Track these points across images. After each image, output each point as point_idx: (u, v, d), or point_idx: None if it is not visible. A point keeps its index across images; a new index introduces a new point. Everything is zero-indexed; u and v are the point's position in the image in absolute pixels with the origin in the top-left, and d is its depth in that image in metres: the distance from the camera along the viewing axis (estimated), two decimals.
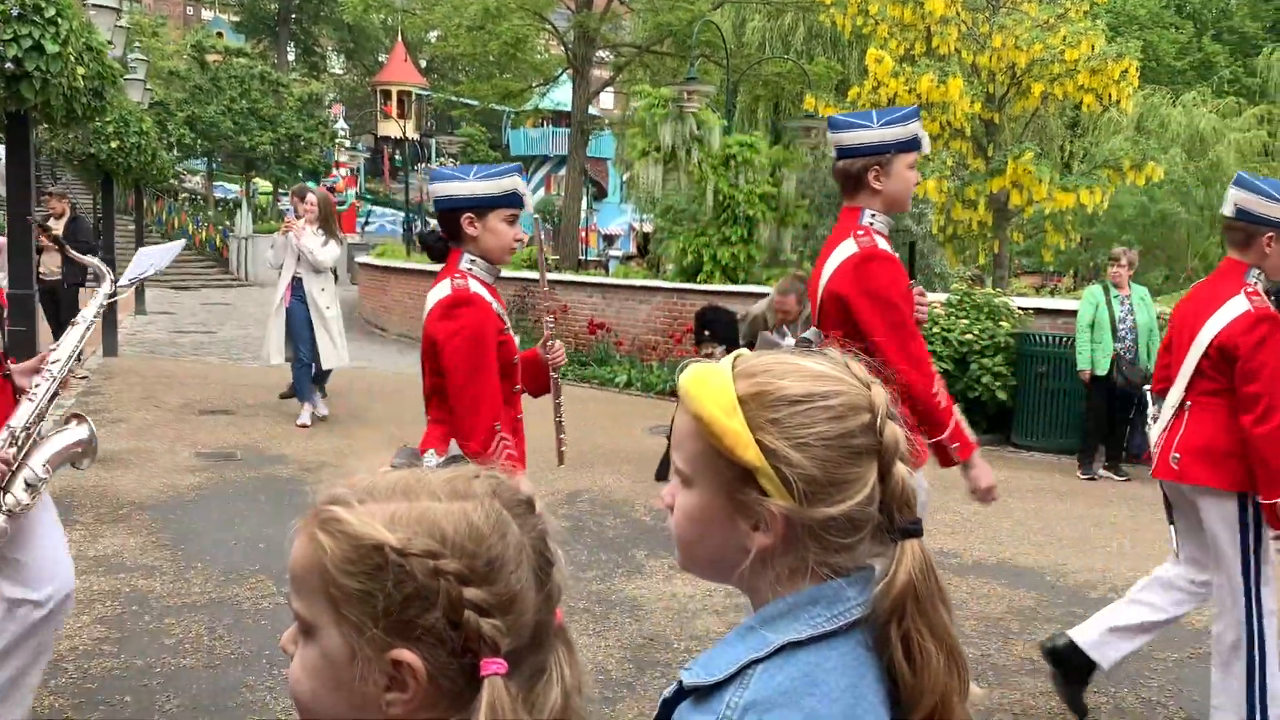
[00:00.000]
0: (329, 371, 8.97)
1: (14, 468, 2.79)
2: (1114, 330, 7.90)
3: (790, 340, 8.55)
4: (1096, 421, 8.16)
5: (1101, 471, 8.14)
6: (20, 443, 2.88)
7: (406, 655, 0.87)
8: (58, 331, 10.98)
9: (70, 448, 2.88)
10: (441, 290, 3.00)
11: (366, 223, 35.37)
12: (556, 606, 0.97)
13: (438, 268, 3.18)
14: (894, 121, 3.17)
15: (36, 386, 2.99)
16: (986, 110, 12.30)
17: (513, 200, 3.06)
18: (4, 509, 2.76)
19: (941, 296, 10.56)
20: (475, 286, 3.00)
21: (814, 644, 1.01)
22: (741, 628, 1.06)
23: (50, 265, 10.67)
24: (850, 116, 3.29)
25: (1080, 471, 8.11)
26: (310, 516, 0.92)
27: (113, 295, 3.40)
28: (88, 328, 3.17)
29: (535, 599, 0.93)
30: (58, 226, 10.91)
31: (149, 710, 3.59)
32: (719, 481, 1.05)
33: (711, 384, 1.05)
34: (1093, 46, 11.61)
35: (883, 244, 3.17)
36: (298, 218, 8.58)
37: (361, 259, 21.38)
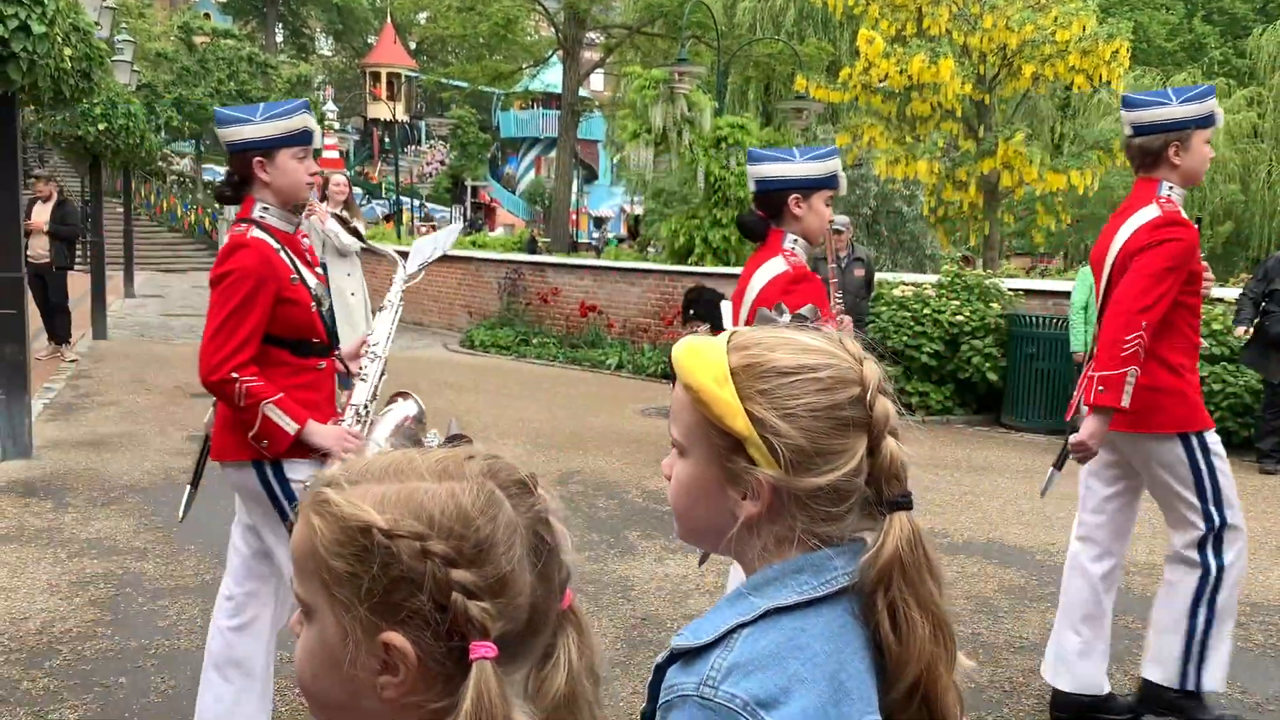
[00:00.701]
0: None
1: (364, 443, 2.84)
2: None
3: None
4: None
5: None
6: (364, 420, 3.00)
7: (395, 638, 0.86)
8: (46, 315, 10.94)
9: (403, 422, 2.91)
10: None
11: (362, 204, 35.23)
12: (564, 589, 0.97)
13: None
14: (1192, 99, 3.33)
15: (363, 369, 3.10)
16: (977, 91, 12.29)
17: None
18: None
19: (932, 278, 10.58)
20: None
21: (800, 610, 1.03)
22: (731, 594, 1.09)
23: (38, 249, 10.62)
24: (1148, 95, 3.45)
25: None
26: (307, 499, 0.92)
27: (408, 280, 3.44)
28: (396, 311, 3.30)
29: (530, 581, 0.92)
30: (45, 210, 10.86)
31: (144, 691, 3.60)
32: (711, 451, 1.07)
33: (704, 356, 1.08)
34: (1084, 28, 11.60)
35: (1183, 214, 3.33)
36: (322, 200, 8.39)
37: None
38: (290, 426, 2.82)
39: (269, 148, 2.88)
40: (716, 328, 7.42)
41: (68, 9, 6.14)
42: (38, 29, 5.78)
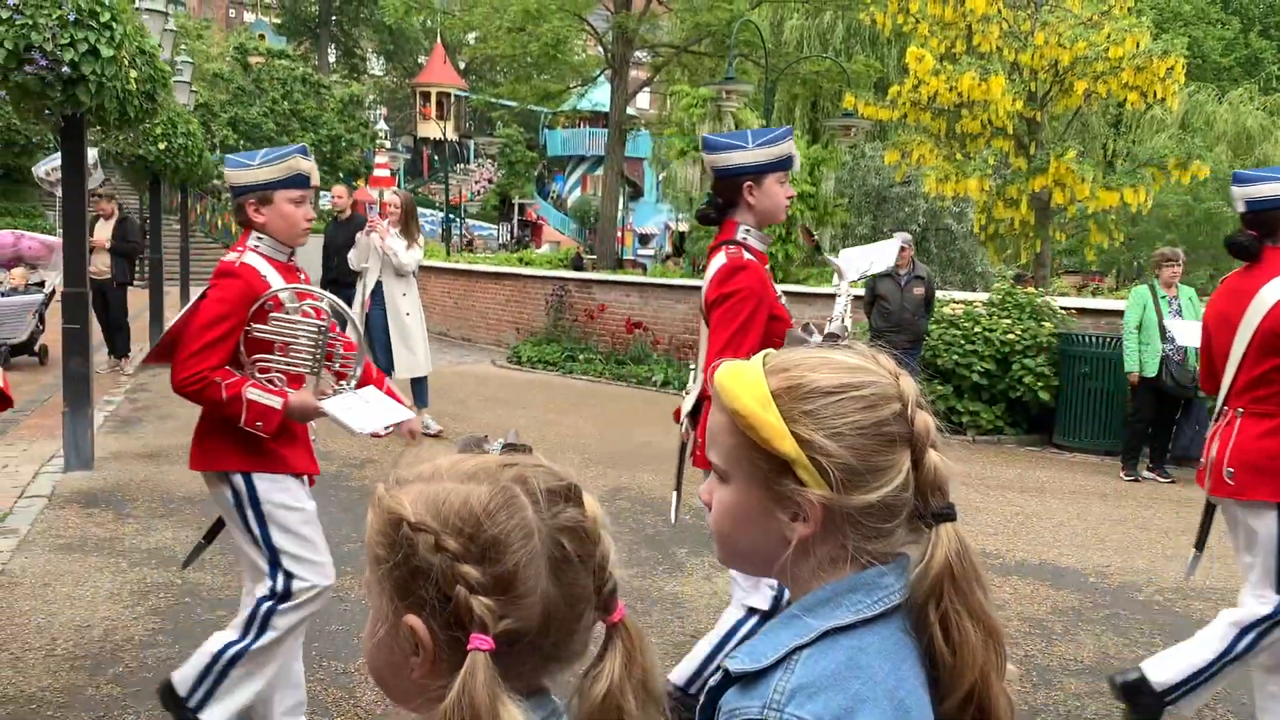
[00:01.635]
0: (424, 380, 8.48)
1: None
2: (1162, 332, 7.81)
3: (818, 337, 8.50)
4: (1142, 423, 8.08)
5: (1145, 473, 8.06)
6: None
7: (413, 620, 0.95)
8: (107, 329, 11.20)
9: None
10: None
11: None
12: (608, 601, 1.00)
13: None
14: None
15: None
16: (1029, 108, 12.19)
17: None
18: None
19: (983, 296, 10.49)
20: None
21: (856, 629, 1.04)
22: (784, 616, 1.09)
23: (100, 265, 10.88)
24: None
25: (1124, 472, 8.04)
26: (372, 497, 1.02)
27: (845, 293, 3.62)
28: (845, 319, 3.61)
29: (544, 585, 0.96)
30: (106, 227, 11.13)
31: None
32: (756, 474, 1.08)
33: (745, 379, 1.08)
34: (1137, 44, 11.46)
35: None
36: (380, 218, 8.24)
37: None
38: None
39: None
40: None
41: (134, 33, 6.32)
42: (106, 52, 5.95)
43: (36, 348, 11.25)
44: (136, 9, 9.94)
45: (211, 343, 2.92)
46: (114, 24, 6.02)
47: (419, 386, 8.47)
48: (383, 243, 8.05)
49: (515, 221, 39.91)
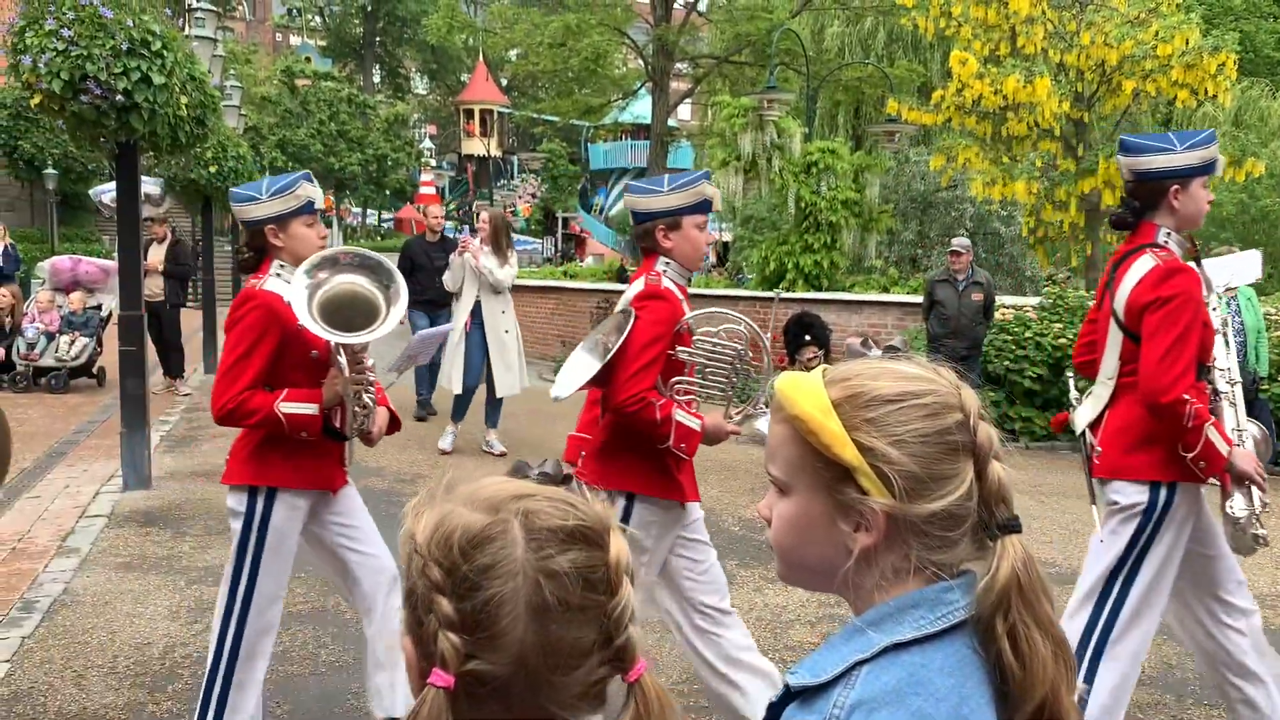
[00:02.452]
0: (500, 402, 8.47)
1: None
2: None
3: (876, 351, 8.44)
4: None
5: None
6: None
7: (405, 642, 0.95)
8: (161, 351, 11.42)
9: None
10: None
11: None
12: (617, 656, 0.93)
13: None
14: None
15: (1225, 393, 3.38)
16: (1075, 109, 12.02)
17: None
18: None
19: (1033, 300, 10.34)
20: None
21: (919, 645, 1.02)
22: (846, 630, 1.08)
23: (153, 288, 11.10)
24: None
25: None
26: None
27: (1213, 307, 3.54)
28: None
29: (521, 630, 0.90)
30: (160, 250, 11.37)
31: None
32: (818, 484, 1.07)
33: (805, 388, 1.08)
34: (1186, 41, 11.26)
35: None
36: (473, 235, 8.17)
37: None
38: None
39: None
40: (829, 353, 7.28)
41: (185, 60, 6.45)
42: (158, 80, 6.09)
43: (95, 370, 11.50)
44: (186, 37, 10.16)
45: (648, 364, 3.01)
46: (165, 52, 6.15)
47: (494, 406, 8.45)
48: (476, 262, 7.97)
49: (559, 235, 40.14)
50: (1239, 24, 26.61)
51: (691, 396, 3.14)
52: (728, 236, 23.91)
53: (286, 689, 3.94)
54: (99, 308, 11.72)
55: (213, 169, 12.30)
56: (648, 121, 25.62)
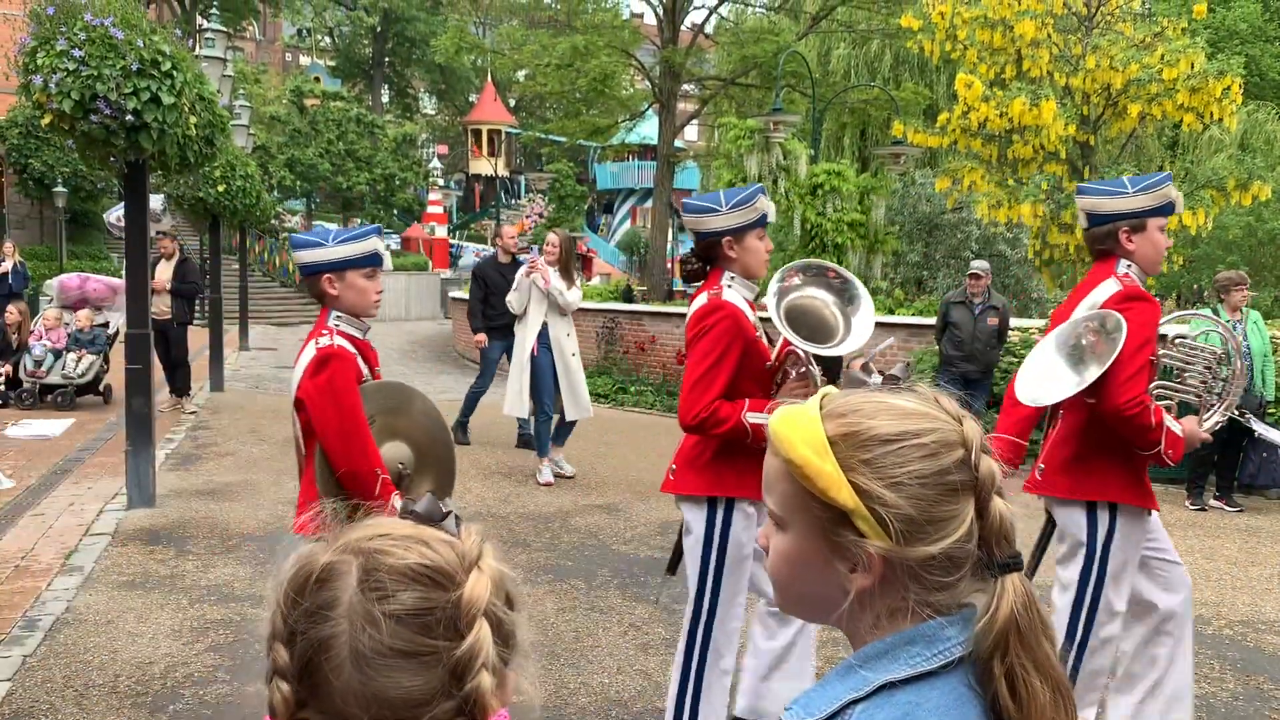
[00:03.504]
0: (572, 424, 8.42)
1: None
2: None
3: (877, 378, 8.43)
4: (1208, 451, 7.88)
5: (1212, 502, 7.86)
6: None
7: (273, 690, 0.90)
8: (168, 368, 11.44)
9: None
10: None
11: (459, 257, 36.11)
12: (466, 705, 0.86)
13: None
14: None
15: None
16: (1081, 132, 12.04)
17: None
18: None
19: (1040, 323, 10.33)
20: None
21: (913, 684, 1.00)
22: (841, 667, 1.06)
23: (160, 306, 11.13)
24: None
25: (1189, 502, 7.83)
26: None
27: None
28: None
29: (347, 677, 0.84)
30: (167, 268, 11.41)
31: None
32: (813, 523, 1.04)
33: (801, 425, 1.05)
34: (1192, 65, 11.29)
35: None
36: (540, 257, 8.10)
37: (455, 294, 21.82)
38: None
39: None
40: (835, 378, 7.27)
41: (194, 80, 6.50)
42: (167, 100, 6.13)
43: (101, 387, 11.53)
44: (196, 57, 10.23)
45: (1141, 368, 3.06)
46: (175, 72, 6.19)
47: (571, 428, 8.41)
48: (547, 283, 7.89)
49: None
50: (1244, 48, 26.66)
51: (1168, 401, 3.19)
52: None
53: None
54: (106, 325, 11.76)
55: (221, 188, 12.37)
56: (654, 142, 25.72)
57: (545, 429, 8.11)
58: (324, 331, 3.14)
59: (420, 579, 0.86)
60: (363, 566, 0.86)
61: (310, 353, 3.10)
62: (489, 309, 9.03)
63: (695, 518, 3.22)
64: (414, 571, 0.86)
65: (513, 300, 8.09)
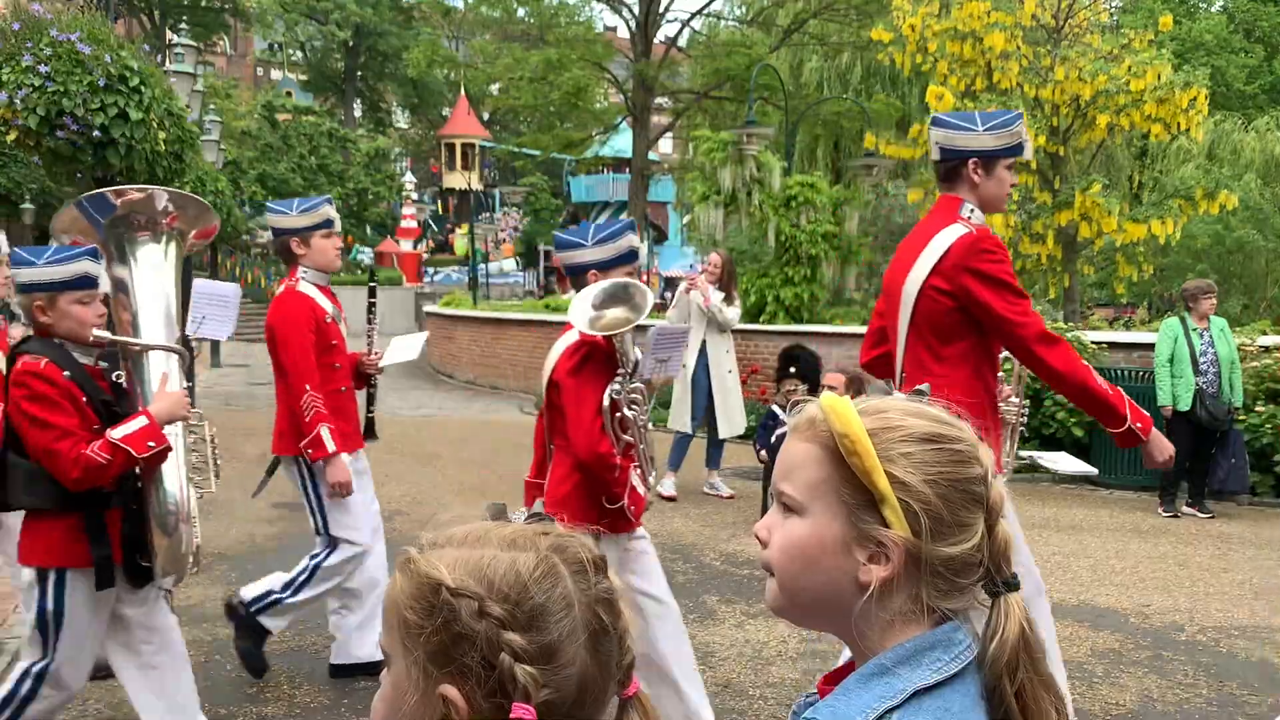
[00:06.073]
0: (723, 443, 8.39)
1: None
2: (1195, 364, 7.70)
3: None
4: (1179, 458, 7.94)
5: (1184, 509, 7.92)
6: None
7: (450, 690, 0.94)
8: None
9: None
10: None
11: (435, 272, 36.00)
12: (628, 674, 1.00)
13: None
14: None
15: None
16: (1051, 143, 12.17)
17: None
18: None
19: None
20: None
21: (939, 689, 1.02)
22: (862, 674, 1.05)
23: None
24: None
25: (1162, 509, 7.89)
26: (399, 559, 1.01)
27: None
28: None
29: (583, 655, 0.96)
30: None
31: None
32: (839, 508, 1.05)
33: (847, 409, 1.07)
34: (1159, 76, 11.44)
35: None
36: (701, 274, 8.08)
37: (429, 308, 21.73)
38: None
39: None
40: (815, 388, 7.27)
41: (163, 96, 6.45)
42: (135, 115, 6.09)
43: None
44: (165, 72, 10.16)
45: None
46: (143, 88, 6.16)
47: (717, 447, 8.38)
48: (707, 301, 7.85)
49: (541, 268, 40.22)
50: (1210, 59, 27.09)
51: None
52: None
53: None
54: None
55: None
56: (629, 155, 25.77)
57: (683, 443, 8.16)
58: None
59: (600, 568, 1.00)
60: (566, 561, 0.98)
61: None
62: None
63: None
64: (597, 563, 1.01)
65: (672, 315, 8.12)
